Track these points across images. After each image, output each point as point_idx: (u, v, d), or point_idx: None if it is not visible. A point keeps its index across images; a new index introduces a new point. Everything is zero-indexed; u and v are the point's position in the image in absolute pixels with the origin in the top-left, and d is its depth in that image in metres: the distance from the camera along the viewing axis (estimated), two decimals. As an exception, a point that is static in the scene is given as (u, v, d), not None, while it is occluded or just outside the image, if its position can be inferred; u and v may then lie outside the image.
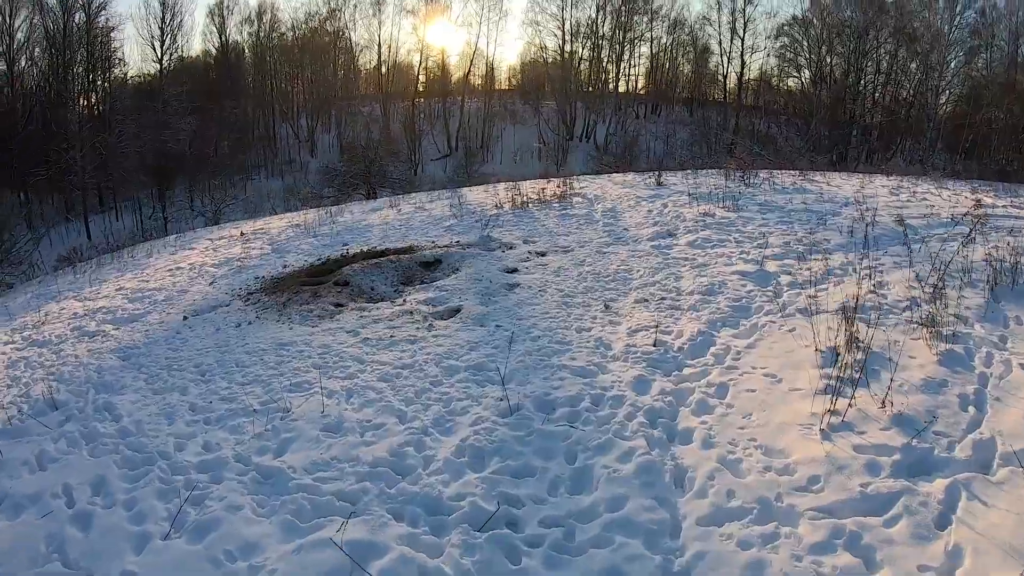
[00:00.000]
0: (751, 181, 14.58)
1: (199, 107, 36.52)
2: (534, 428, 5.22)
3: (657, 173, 16.21)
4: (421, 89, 56.73)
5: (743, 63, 57.39)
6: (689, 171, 18.12)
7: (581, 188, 15.40)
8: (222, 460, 5.51)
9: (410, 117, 50.14)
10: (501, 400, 5.63)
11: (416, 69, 56.99)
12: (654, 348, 6.47)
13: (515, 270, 9.36)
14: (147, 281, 11.91)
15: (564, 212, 12.92)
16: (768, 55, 62.77)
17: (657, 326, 6.92)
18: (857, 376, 5.22)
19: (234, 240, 14.75)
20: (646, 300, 7.88)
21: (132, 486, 5.34)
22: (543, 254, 10.10)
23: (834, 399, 4.99)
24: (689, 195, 13.37)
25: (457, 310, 8.00)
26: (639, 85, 63.27)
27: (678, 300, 7.82)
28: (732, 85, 58.49)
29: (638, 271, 8.98)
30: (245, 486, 5.11)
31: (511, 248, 10.54)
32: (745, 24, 56.54)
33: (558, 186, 15.45)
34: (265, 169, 41.95)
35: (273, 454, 5.42)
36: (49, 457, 5.87)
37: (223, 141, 37.00)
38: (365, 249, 11.46)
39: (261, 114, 51.42)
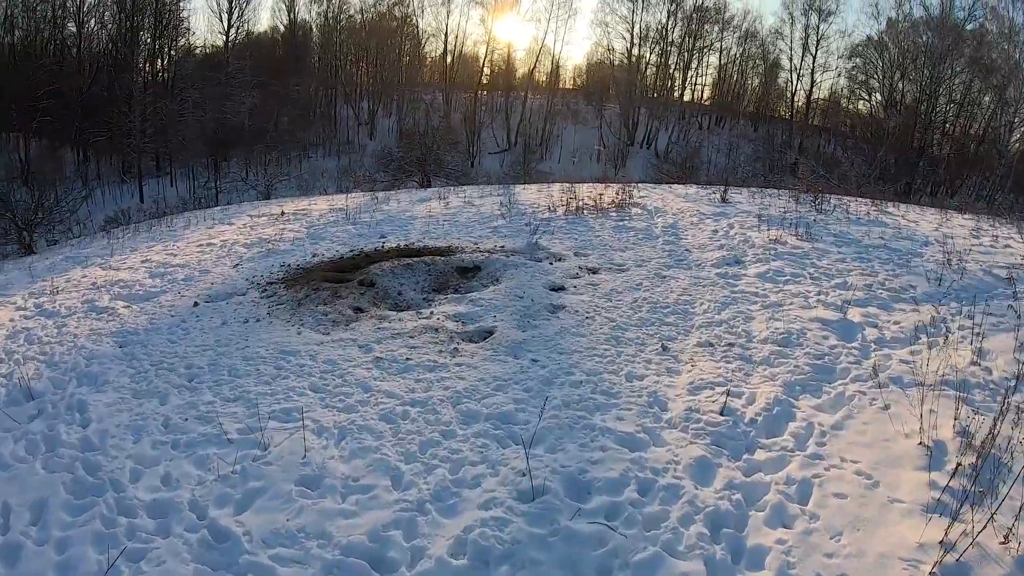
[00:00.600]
0: (823, 207, 12.85)
1: (262, 82, 35.79)
2: (560, 525, 3.83)
3: (723, 189, 14.56)
4: (485, 81, 55.28)
5: (813, 81, 54.20)
6: (754, 188, 16.38)
7: (641, 198, 13.87)
8: (176, 505, 4.35)
9: (471, 108, 48.75)
10: (523, 476, 4.26)
11: (481, 61, 55.62)
12: (721, 417, 5.04)
13: (562, 288, 7.97)
14: (174, 255, 10.96)
15: (621, 223, 11.45)
16: (839, 75, 59.39)
17: (727, 391, 5.43)
18: (972, 488, 3.85)
19: (273, 219, 13.72)
20: (711, 344, 6.42)
21: (72, 520, 4.37)
22: (595, 271, 8.68)
23: (948, 526, 3.63)
24: (758, 217, 11.76)
25: (489, 332, 6.67)
26: (704, 95, 60.71)
27: (749, 348, 6.34)
28: (800, 103, 55.45)
29: (701, 304, 7.50)
30: (190, 549, 3.93)
31: (560, 260, 9.16)
32: (818, 41, 53.18)
33: (617, 193, 13.96)
34: (323, 148, 40.97)
35: (233, 508, 4.19)
36: (2, 462, 4.97)
37: (283, 117, 36.40)
38: (402, 245, 10.24)
39: (324, 94, 50.32)
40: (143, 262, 10.66)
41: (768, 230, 10.71)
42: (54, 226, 14.28)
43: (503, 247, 9.80)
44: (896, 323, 6.79)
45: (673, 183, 19.40)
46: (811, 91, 55.00)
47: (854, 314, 7.02)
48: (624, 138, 51.91)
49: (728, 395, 5.31)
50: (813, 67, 54.17)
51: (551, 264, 8.91)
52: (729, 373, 5.78)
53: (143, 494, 4.59)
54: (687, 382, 5.61)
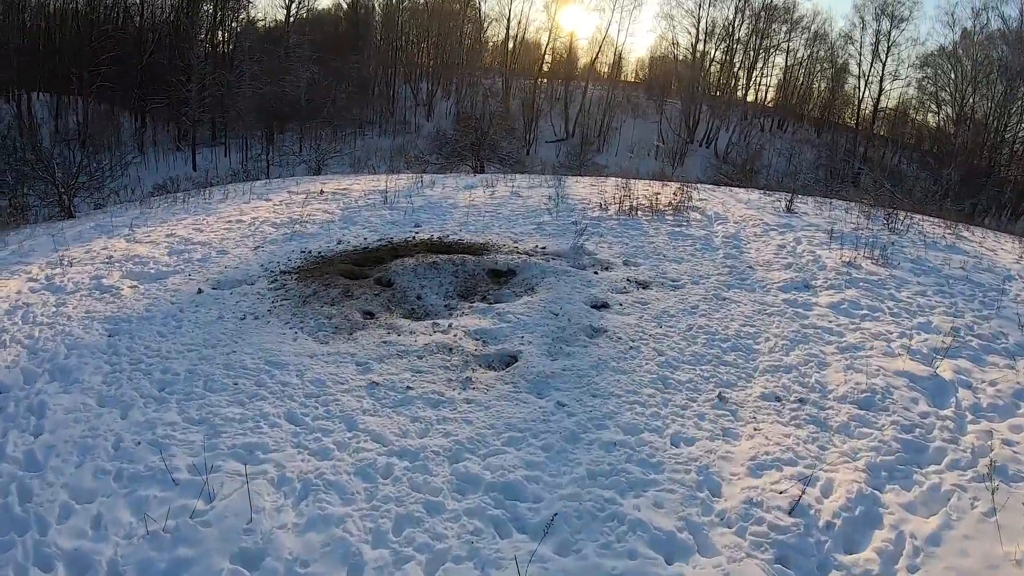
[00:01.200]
0: (896, 226, 11.15)
1: (321, 58, 34.94)
2: None
3: (788, 198, 12.93)
4: (545, 69, 53.47)
5: (881, 89, 49.71)
6: (820, 198, 14.58)
7: (700, 201, 12.35)
8: (94, 563, 3.40)
9: (531, 95, 46.93)
10: (522, 590, 3.07)
11: (543, 48, 53.40)
12: (790, 519, 3.72)
13: (605, 305, 6.67)
14: (200, 230, 10.12)
15: (678, 229, 10.06)
16: (908, 84, 54.94)
17: (800, 479, 4.12)
18: None
19: (311, 198, 12.79)
20: (778, 398, 5.05)
21: (-22, 569, 3.42)
22: (645, 285, 7.36)
23: None
24: (828, 233, 10.21)
25: (513, 358, 5.46)
26: (767, 97, 57.30)
27: (824, 407, 4.95)
28: (866, 111, 51.68)
29: (766, 338, 6.13)
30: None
31: (607, 269, 7.86)
32: (888, 48, 48.60)
33: (674, 194, 12.51)
34: (379, 127, 39.73)
35: (149, 588, 3.22)
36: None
37: (340, 94, 35.58)
38: (434, 237, 9.11)
39: (383, 72, 48.68)
40: (167, 236, 9.84)
41: (840, 249, 9.19)
42: (97, 190, 13.73)
43: (544, 248, 8.56)
44: (992, 384, 5.32)
45: (734, 186, 17.68)
46: (878, 99, 51.01)
47: (945, 369, 5.55)
48: (684, 135, 49.32)
49: (800, 483, 4.01)
50: (882, 74, 49.78)
51: (596, 273, 7.62)
52: (800, 445, 4.43)
53: (66, 540, 3.64)
54: (748, 454, 4.28)
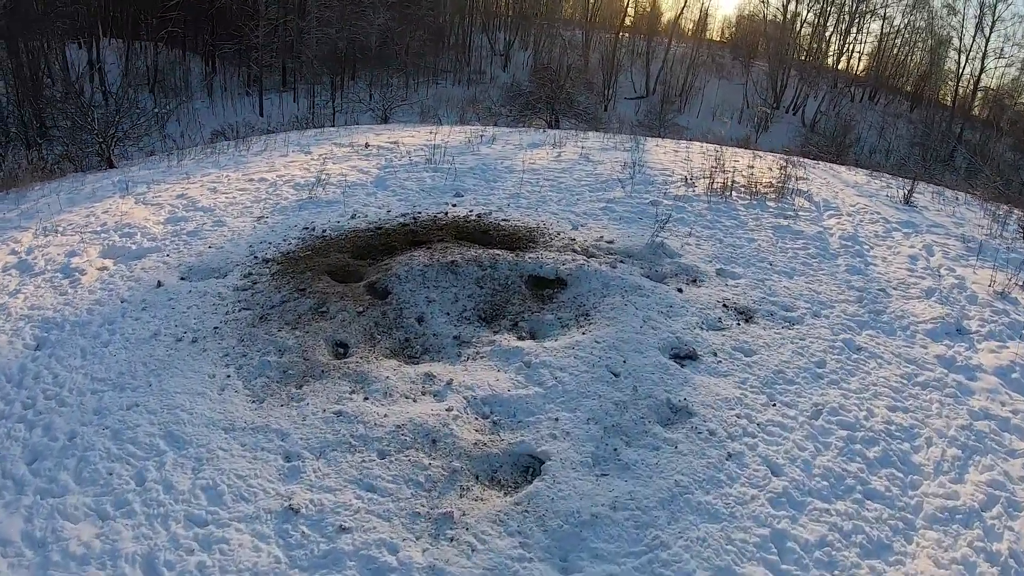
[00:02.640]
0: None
1: (395, 3, 31.94)
2: None
3: (906, 186, 9.57)
4: (627, 23, 48.01)
5: (983, 67, 41.24)
6: (932, 187, 10.97)
7: (804, 181, 9.27)
8: None
9: (611, 50, 41.95)
10: None
11: (625, 1, 48.23)
12: None
13: (690, 356, 4.13)
14: (214, 191, 8.08)
15: (784, 222, 7.18)
16: (1010, 64, 45.99)
17: None
18: None
19: (354, 151, 10.53)
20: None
21: None
22: (749, 316, 4.72)
23: None
24: (962, 241, 7.17)
25: (534, 466, 3.15)
26: (860, 65, 49.78)
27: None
28: (965, 89, 43.64)
29: (926, 440, 3.51)
30: None
31: (695, 283, 5.23)
32: (993, 23, 40.35)
33: (771, 169, 9.52)
34: (453, 76, 35.79)
35: None
36: None
37: (414, 41, 32.50)
38: (472, 216, 6.68)
39: (460, 21, 43.19)
40: (177, 197, 7.86)
41: (983, 267, 6.26)
42: (139, 139, 12.02)
43: (611, 244, 5.97)
44: None
45: (829, 161, 14.05)
46: (979, 78, 42.92)
47: None
48: (770, 100, 43.49)
49: None
50: (985, 51, 40.81)
51: (680, 291, 5.00)
52: None
53: None
54: None
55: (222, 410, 3.47)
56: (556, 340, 4.14)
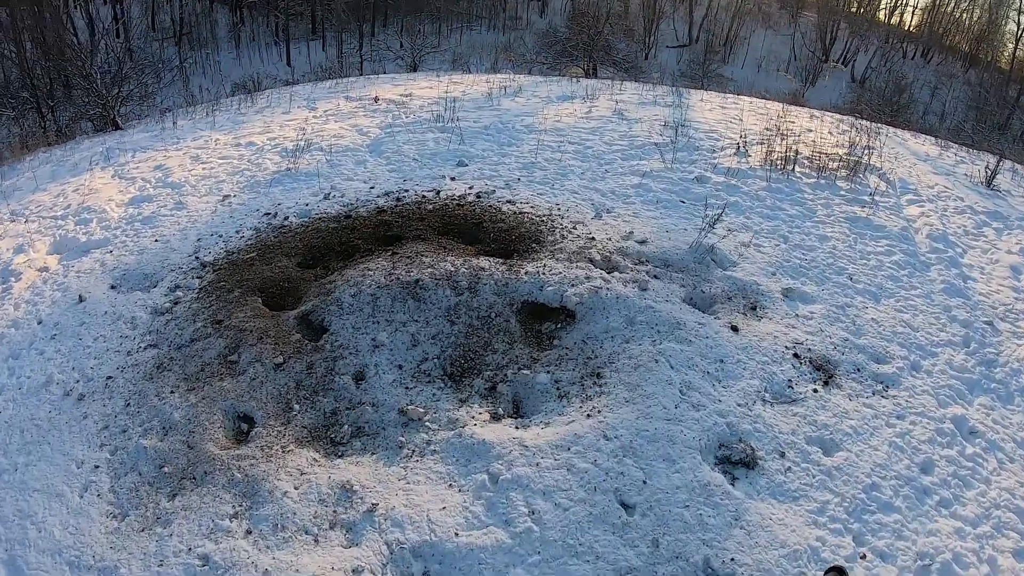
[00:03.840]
0: None
1: None
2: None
3: (988, 168, 7.30)
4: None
5: None
6: (1008, 161, 8.51)
7: (873, 153, 7.10)
8: None
9: (650, -6, 37.98)
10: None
11: (668, -57, 42.77)
12: None
13: (746, 462, 2.53)
14: (195, 159, 6.62)
15: (860, 212, 5.21)
16: None
17: None
18: None
19: (361, 107, 8.84)
20: None
21: None
22: (829, 375, 3.04)
23: None
24: None
25: None
26: (913, 21, 43.08)
27: None
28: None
29: None
30: None
31: (754, 312, 3.53)
32: None
33: (832, 135, 7.43)
34: (487, 21, 31.94)
35: None
36: None
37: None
38: (469, 196, 4.97)
39: None
40: (155, 168, 6.46)
41: None
42: (143, 99, 10.56)
43: (643, 242, 4.24)
44: None
45: (886, 123, 11.51)
46: None
47: None
48: (818, 53, 38.37)
49: None
50: None
51: (734, 331, 3.30)
52: None
53: None
54: None
55: (75, 529, 2.21)
56: (546, 425, 2.60)
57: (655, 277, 3.76)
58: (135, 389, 2.93)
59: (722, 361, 3.02)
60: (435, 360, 3.02)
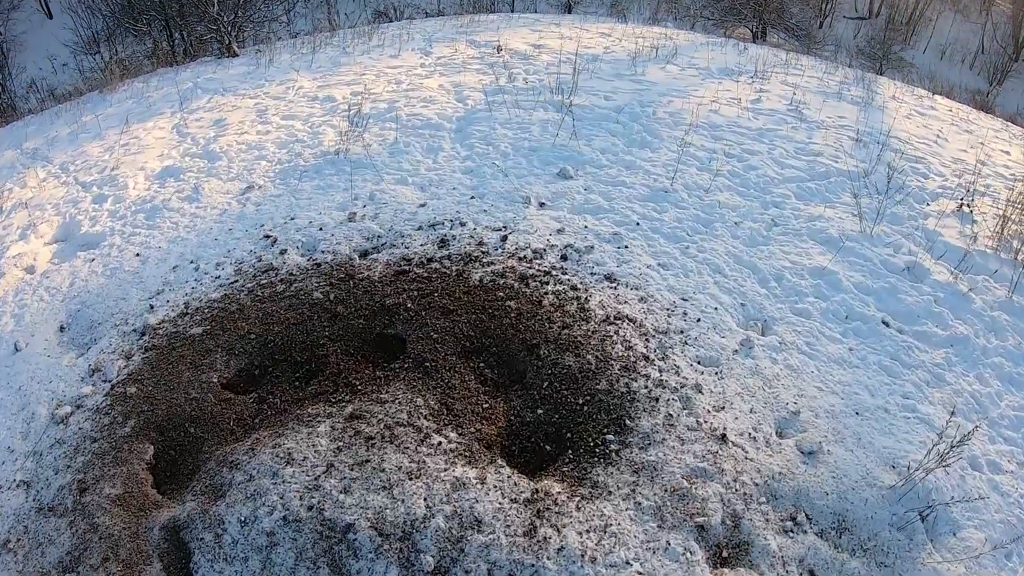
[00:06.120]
0: None
1: None
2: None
3: None
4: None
5: None
6: None
7: None
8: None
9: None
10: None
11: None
12: None
13: None
14: (259, 116, 5.01)
15: None
16: None
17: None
18: None
19: (484, 55, 6.66)
20: None
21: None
22: None
23: None
24: None
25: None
26: None
27: None
28: None
29: None
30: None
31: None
32: None
33: None
34: None
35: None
36: None
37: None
38: (548, 258, 2.87)
39: None
40: (212, 124, 4.96)
41: None
42: (261, 26, 9.10)
43: (810, 457, 1.99)
44: None
45: None
46: None
47: None
48: (1009, 51, 27.12)
49: None
50: None
51: None
52: None
53: None
54: None
55: None
56: None
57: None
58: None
59: None
60: None
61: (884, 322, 2.81)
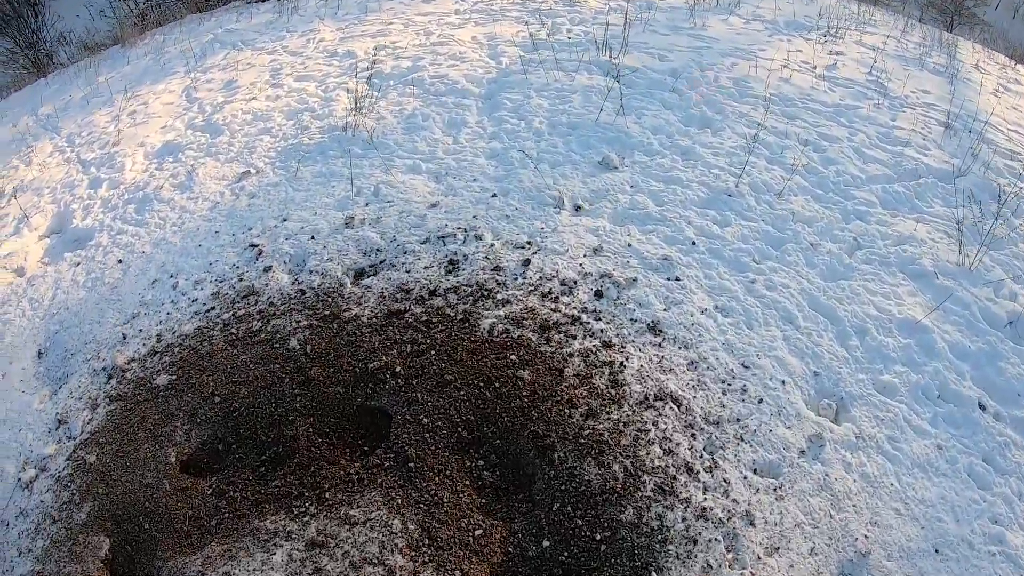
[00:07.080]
0: None
1: None
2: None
3: None
4: None
5: None
6: None
7: None
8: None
9: None
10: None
11: None
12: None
13: None
14: (272, 77, 4.33)
15: None
16: None
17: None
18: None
19: (523, 2, 5.65)
20: None
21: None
22: None
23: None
24: None
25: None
26: None
27: None
28: None
29: None
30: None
31: None
32: None
33: None
34: None
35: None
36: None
37: None
38: (579, 297, 2.19)
39: None
40: (222, 87, 4.17)
41: None
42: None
43: None
44: None
45: None
46: None
47: None
48: None
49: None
50: None
51: None
52: None
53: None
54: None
55: None
56: None
57: None
58: None
59: None
60: None
61: (981, 404, 2.10)
